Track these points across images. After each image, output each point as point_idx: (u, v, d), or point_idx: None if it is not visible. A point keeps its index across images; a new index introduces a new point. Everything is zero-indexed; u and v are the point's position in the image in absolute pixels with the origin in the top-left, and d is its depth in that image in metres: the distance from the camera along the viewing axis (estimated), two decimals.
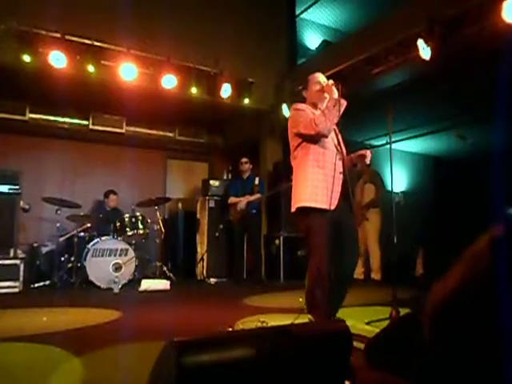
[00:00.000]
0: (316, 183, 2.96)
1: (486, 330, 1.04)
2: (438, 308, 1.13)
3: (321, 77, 3.24)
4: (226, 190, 7.22)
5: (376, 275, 6.29)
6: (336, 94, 2.98)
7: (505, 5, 3.98)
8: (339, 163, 3.04)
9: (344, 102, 2.97)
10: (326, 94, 3.07)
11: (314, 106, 3.17)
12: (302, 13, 7.68)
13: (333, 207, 2.90)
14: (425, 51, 4.67)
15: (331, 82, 3.07)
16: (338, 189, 2.98)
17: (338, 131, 3.21)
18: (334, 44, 7.34)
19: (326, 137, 3.01)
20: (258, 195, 6.55)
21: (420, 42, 4.68)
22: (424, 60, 4.71)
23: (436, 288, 1.16)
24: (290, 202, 3.07)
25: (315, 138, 2.99)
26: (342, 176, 3.03)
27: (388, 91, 5.81)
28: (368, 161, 3.13)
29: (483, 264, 1.05)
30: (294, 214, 3.08)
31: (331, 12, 7.76)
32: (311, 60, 7.35)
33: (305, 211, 2.97)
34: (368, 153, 3.11)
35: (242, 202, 6.51)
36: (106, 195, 6.96)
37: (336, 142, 3.13)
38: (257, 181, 6.63)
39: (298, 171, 3.11)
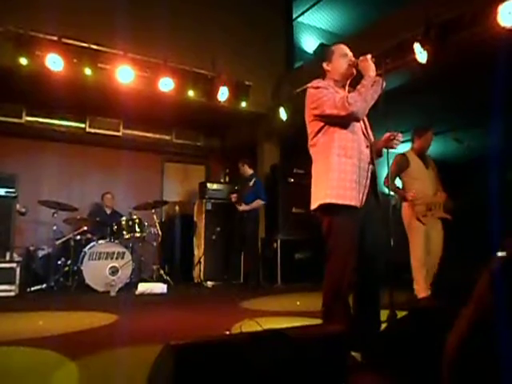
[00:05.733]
0: (343, 175, 2.45)
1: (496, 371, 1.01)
2: (454, 354, 1.10)
3: (347, 49, 2.69)
4: (222, 192, 7.34)
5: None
6: (374, 72, 2.52)
7: (500, 9, 4.01)
8: (367, 152, 2.58)
9: (382, 81, 2.52)
10: (355, 71, 2.60)
11: (336, 83, 2.64)
12: (299, 16, 7.71)
13: (361, 204, 2.47)
14: (421, 55, 4.69)
15: (369, 56, 2.55)
16: (367, 182, 2.54)
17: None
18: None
19: (359, 120, 2.54)
20: (252, 204, 6.46)
21: (416, 46, 4.70)
22: (420, 63, 4.73)
23: (451, 334, 1.13)
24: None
25: (345, 121, 2.49)
26: (371, 167, 2.57)
27: (384, 94, 5.82)
28: (399, 142, 2.66)
29: (486, 304, 1.03)
30: (314, 211, 2.57)
31: (328, 15, 7.79)
32: (308, 63, 7.37)
33: (328, 209, 2.47)
34: (397, 134, 2.63)
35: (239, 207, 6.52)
36: (102, 197, 7.01)
37: (363, 126, 2.64)
38: (251, 182, 6.58)
39: (319, 161, 2.59)
